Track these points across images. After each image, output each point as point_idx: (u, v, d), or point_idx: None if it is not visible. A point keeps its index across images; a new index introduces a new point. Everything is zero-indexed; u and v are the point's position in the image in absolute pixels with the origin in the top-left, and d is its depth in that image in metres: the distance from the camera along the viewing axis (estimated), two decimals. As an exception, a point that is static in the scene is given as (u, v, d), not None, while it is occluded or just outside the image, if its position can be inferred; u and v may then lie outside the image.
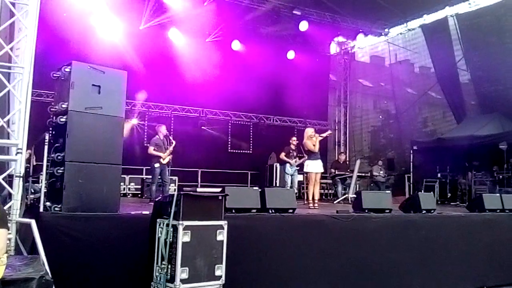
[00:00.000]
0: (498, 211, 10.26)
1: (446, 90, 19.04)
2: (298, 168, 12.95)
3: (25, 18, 5.96)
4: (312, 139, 11.34)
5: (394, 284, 8.26)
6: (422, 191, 14.80)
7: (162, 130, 11.76)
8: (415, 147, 17.54)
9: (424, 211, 9.19)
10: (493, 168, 15.42)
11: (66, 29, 13.82)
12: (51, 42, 12.50)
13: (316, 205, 11.09)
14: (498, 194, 11.10)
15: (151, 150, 11.48)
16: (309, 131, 11.63)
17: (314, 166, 11.31)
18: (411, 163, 17.50)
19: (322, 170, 11.73)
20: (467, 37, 17.24)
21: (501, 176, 14.87)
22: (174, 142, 11.67)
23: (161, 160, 11.32)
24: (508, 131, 14.84)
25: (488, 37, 16.47)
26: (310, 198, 11.18)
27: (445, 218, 9.50)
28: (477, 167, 15.99)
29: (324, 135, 12.11)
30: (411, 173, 17.36)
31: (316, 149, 11.29)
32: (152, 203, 6.92)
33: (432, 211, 9.40)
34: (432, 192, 12.07)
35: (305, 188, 12.16)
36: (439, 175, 16.84)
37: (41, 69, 7.21)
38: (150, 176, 12.43)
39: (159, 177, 11.53)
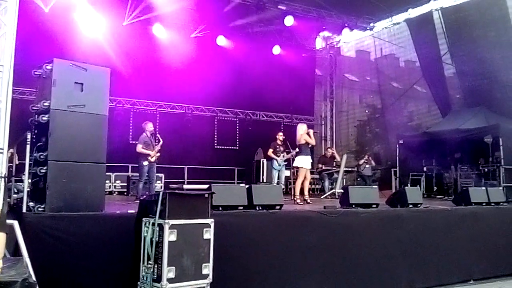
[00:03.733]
0: (484, 204, 10.36)
1: (431, 84, 19.12)
2: (285, 163, 12.95)
3: (4, 15, 5.84)
4: (309, 134, 11.41)
5: (382, 278, 8.28)
6: (409, 185, 14.88)
7: (149, 127, 11.64)
8: (401, 141, 17.60)
9: (410, 205, 9.24)
10: (479, 162, 15.52)
11: (47, 26, 13.63)
12: (33, 39, 12.32)
13: (298, 200, 11.13)
14: (483, 187, 11.18)
15: (139, 148, 11.33)
16: (305, 126, 11.69)
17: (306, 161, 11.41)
18: (397, 157, 17.56)
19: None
20: (452, 31, 17.30)
21: (486, 169, 14.96)
22: (161, 141, 11.55)
23: (149, 158, 11.22)
24: (493, 124, 14.91)
25: (473, 31, 16.55)
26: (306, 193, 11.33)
27: (432, 212, 9.55)
28: (463, 160, 16.11)
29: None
30: (397, 167, 17.42)
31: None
32: (138, 201, 6.84)
33: (419, 205, 9.46)
34: (418, 186, 12.12)
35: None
36: (425, 168, 16.94)
37: (24, 66, 7.09)
38: (136, 174, 12.32)
39: (147, 174, 11.44)
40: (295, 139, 11.49)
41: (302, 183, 11.30)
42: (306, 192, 11.31)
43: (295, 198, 11.05)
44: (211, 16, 16.87)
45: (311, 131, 11.56)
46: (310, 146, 11.40)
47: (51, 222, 5.75)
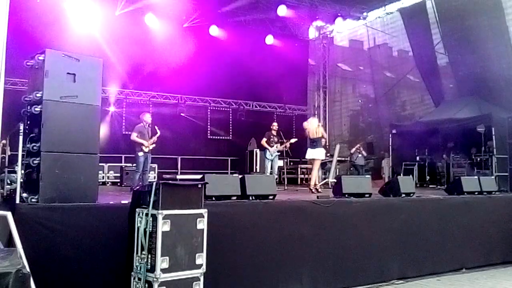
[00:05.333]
0: (476, 193, 10.39)
1: (424, 74, 19.14)
2: (278, 153, 13.00)
3: (-5, 5, 5.79)
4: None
5: (374, 267, 8.32)
6: (401, 174, 14.94)
7: (147, 118, 11.63)
8: (394, 131, 17.66)
9: (403, 195, 9.24)
10: (471, 151, 15.60)
11: (39, 16, 13.55)
12: (25, 29, 12.27)
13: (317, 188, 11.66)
14: (476, 177, 11.22)
15: (133, 136, 11.33)
16: (317, 120, 12.53)
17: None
18: (390, 147, 17.61)
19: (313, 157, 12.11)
20: (445, 20, 17.30)
21: (478, 159, 15.05)
22: (159, 132, 11.54)
23: (143, 148, 11.20)
24: (485, 113, 14.98)
25: (466, 20, 16.56)
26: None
27: (424, 201, 9.59)
28: (455, 149, 16.18)
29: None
30: (390, 157, 17.48)
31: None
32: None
33: (411, 194, 9.47)
34: (411, 175, 12.16)
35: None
36: (418, 158, 17.02)
37: (16, 57, 7.06)
38: (129, 164, 12.31)
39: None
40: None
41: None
42: (317, 182, 11.91)
43: (313, 188, 11.48)
44: (203, 5, 16.81)
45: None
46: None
47: (44, 213, 5.74)
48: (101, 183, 13.09)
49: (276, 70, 18.31)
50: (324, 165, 15.45)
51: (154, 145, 11.45)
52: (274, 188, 7.96)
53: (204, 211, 5.60)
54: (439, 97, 18.65)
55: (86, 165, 6.35)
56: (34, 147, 6.11)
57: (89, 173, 6.40)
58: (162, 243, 5.21)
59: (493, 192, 10.82)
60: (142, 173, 11.45)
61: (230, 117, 19.61)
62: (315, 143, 11.66)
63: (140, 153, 11.21)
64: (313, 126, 11.74)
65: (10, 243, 5.26)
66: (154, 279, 5.17)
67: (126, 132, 13.86)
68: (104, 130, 14.88)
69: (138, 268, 5.38)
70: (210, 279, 5.70)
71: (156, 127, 11.64)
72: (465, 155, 15.88)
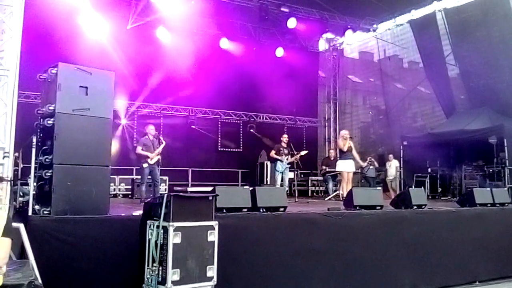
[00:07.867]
0: (488, 205, 10.30)
1: (435, 85, 19.06)
2: (289, 166, 13.00)
3: (9, 20, 5.88)
4: (344, 140, 12.42)
5: (386, 280, 8.26)
6: (413, 186, 14.86)
7: (151, 130, 11.67)
8: (405, 142, 17.57)
9: (415, 207, 9.20)
10: (477, 162, 15.52)
11: (52, 30, 13.72)
12: (38, 43, 12.39)
13: None
14: (488, 188, 11.13)
15: (138, 150, 11.41)
16: (343, 132, 12.94)
17: (344, 165, 12.49)
18: (401, 159, 17.53)
19: (353, 170, 12.79)
20: (455, 31, 17.27)
21: (491, 170, 14.93)
22: (164, 143, 11.57)
23: (149, 160, 11.23)
24: (497, 125, 14.87)
25: (476, 31, 16.52)
26: (345, 195, 11.66)
27: (436, 214, 9.52)
28: (467, 161, 16.07)
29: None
30: (402, 169, 17.39)
31: (345, 149, 12.49)
32: (143, 204, 6.87)
33: (423, 206, 9.42)
34: (422, 187, 12.10)
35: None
36: (429, 170, 16.91)
37: (29, 70, 7.14)
38: (140, 177, 12.35)
39: (149, 177, 11.44)
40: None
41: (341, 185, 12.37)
42: (345, 193, 11.84)
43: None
44: (214, 19, 16.92)
45: (342, 133, 12.72)
46: (346, 150, 12.53)
47: (56, 225, 5.79)
48: (112, 195, 13.13)
49: (287, 82, 18.32)
50: (335, 177, 15.38)
51: (159, 156, 11.45)
52: (285, 200, 7.96)
53: (214, 223, 5.61)
54: (450, 108, 18.56)
55: (98, 178, 6.41)
56: (47, 160, 6.17)
57: (100, 186, 6.46)
58: (173, 255, 5.21)
59: (506, 204, 10.71)
60: (153, 186, 11.49)
61: (241, 129, 19.63)
62: (340, 155, 12.52)
63: (145, 165, 11.22)
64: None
65: (22, 255, 5.29)
66: (165, 291, 5.17)
67: (136, 144, 13.89)
68: (115, 143, 14.95)
69: (149, 280, 5.38)
70: (221, 292, 5.70)
71: (161, 138, 11.68)
72: (477, 167, 15.77)
